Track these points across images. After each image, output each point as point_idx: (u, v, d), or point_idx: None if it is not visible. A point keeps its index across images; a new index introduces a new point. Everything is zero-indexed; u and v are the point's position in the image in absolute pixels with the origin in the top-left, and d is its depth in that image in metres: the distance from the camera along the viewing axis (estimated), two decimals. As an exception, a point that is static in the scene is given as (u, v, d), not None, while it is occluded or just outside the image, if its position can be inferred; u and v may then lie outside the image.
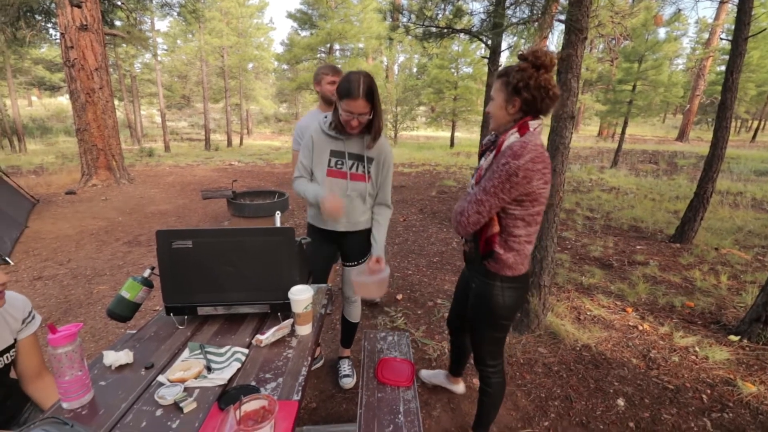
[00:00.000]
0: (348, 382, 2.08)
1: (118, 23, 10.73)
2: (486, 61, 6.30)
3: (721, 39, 16.39)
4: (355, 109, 1.49)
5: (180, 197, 6.63)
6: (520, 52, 1.25)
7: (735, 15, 3.97)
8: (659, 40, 10.01)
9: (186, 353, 1.16)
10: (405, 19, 6.04)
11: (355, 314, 2.07)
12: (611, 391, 2.12)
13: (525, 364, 2.34)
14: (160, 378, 1.05)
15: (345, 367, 2.15)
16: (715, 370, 2.30)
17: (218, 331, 1.29)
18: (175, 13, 10.68)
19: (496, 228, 1.30)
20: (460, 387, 2.06)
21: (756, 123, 23.64)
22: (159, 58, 19.03)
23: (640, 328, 2.74)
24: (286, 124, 32.24)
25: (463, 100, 16.10)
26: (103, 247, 4.18)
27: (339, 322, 2.51)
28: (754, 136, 21.42)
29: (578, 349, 2.48)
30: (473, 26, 4.90)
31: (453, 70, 16.01)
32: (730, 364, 2.34)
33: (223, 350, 1.17)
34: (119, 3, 9.20)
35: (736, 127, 27.68)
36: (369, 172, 1.70)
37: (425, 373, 2.15)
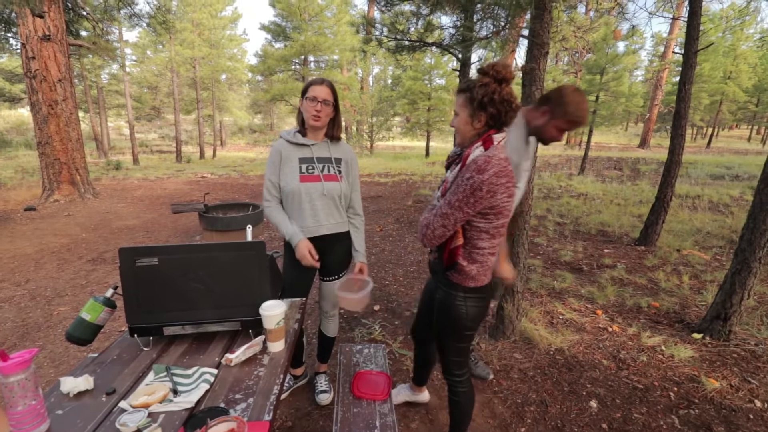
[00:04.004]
0: (325, 398, 2.04)
1: (84, 33, 10.38)
2: (457, 73, 6.47)
3: (674, 53, 17.45)
4: (319, 93, 1.63)
5: (149, 211, 6.41)
6: (479, 67, 1.26)
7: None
8: (619, 54, 10.58)
9: (151, 376, 1.12)
10: (378, 32, 6.13)
11: (332, 329, 2.05)
12: (584, 393, 2.17)
13: (501, 371, 2.37)
14: (123, 404, 1.00)
15: (321, 382, 2.11)
16: (680, 367, 2.39)
17: (186, 352, 1.25)
18: (144, 24, 10.42)
19: (460, 240, 1.31)
20: (425, 395, 2.06)
21: (710, 130, 25.16)
22: (127, 69, 18.51)
23: (610, 329, 2.83)
24: (261, 135, 31.87)
25: (437, 110, 16.43)
26: (65, 266, 3.98)
27: (315, 336, 2.48)
28: (709, 143, 22.79)
29: (552, 353, 2.53)
30: (444, 40, 5.03)
31: (426, 82, 16.33)
32: (694, 361, 2.45)
33: (190, 371, 1.13)
34: (85, 13, 8.92)
35: (692, 135, 29.36)
36: (340, 172, 1.77)
37: None
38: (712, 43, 5.59)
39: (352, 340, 2.71)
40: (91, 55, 15.20)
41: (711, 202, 7.14)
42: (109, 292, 1.32)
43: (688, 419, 1.98)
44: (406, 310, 3.14)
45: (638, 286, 3.58)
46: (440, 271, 1.41)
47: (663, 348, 2.58)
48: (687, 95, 4.16)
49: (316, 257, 1.72)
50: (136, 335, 1.26)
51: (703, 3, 4.17)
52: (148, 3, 9.86)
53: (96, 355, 1.25)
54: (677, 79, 22.18)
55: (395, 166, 13.07)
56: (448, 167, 1.42)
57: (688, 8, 4.16)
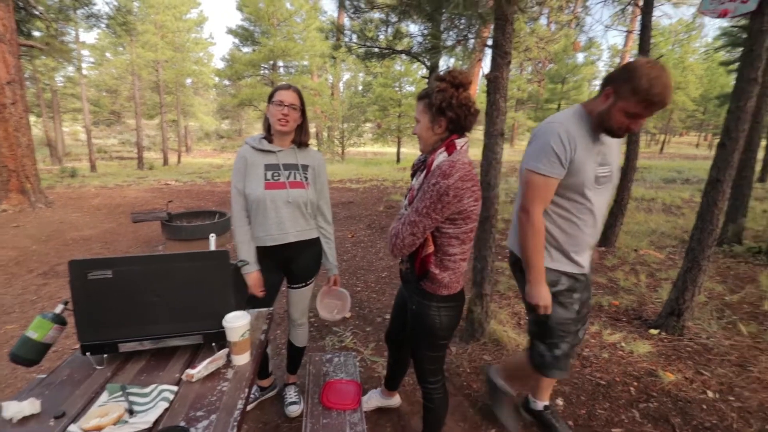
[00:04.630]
0: (294, 410, 1.99)
1: (36, 33, 9.81)
2: (426, 80, 6.57)
3: (630, 64, 18.52)
4: (286, 98, 1.62)
5: (107, 221, 6.09)
6: (436, 74, 1.28)
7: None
8: (578, 64, 11.13)
9: (104, 397, 1.05)
10: (347, 39, 6.13)
11: (301, 339, 2.01)
12: (551, 391, 2.23)
13: (472, 374, 2.39)
14: (72, 428, 0.94)
15: (291, 394, 2.06)
16: (639, 363, 2.50)
17: (144, 369, 1.19)
18: (103, 25, 9.97)
19: (431, 248, 1.30)
20: (396, 400, 2.06)
21: (663, 137, 26.79)
22: (84, 72, 17.62)
23: (575, 329, 2.92)
24: (229, 141, 31.10)
25: (408, 117, 16.62)
26: (13, 281, 3.71)
27: (285, 346, 2.43)
28: (661, 149, 24.26)
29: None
30: (412, 48, 5.09)
31: (397, 88, 16.52)
32: (651, 356, 2.57)
33: (148, 390, 1.07)
34: (37, 12, 8.44)
35: (646, 141, 31.14)
36: (307, 179, 1.75)
37: None
38: (662, 56, 5.98)
39: (322, 349, 2.67)
40: (44, 57, 14.36)
41: (664, 204, 7.57)
42: (58, 308, 1.24)
43: (647, 412, 2.07)
44: (378, 317, 3.12)
45: (599, 286, 3.74)
46: (413, 281, 1.40)
47: (623, 344, 2.69)
48: (640, 104, 4.40)
49: (262, 290, 1.73)
50: (88, 353, 1.19)
51: (654, 18, 4.45)
52: (107, 3, 9.46)
53: (44, 376, 1.17)
54: (632, 88, 23.51)
55: (367, 172, 13.09)
56: (413, 175, 1.42)
57: (640, 22, 4.43)
